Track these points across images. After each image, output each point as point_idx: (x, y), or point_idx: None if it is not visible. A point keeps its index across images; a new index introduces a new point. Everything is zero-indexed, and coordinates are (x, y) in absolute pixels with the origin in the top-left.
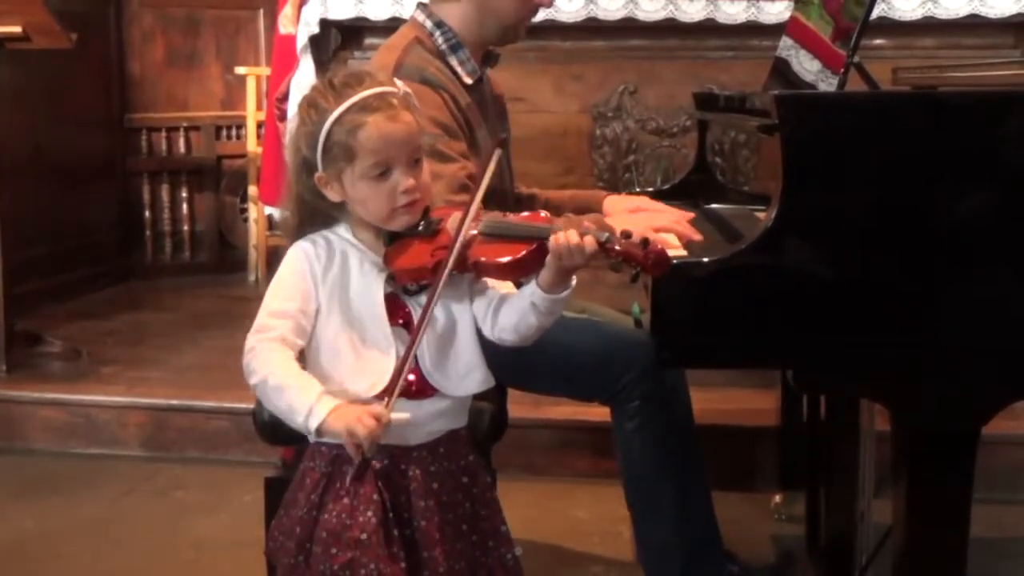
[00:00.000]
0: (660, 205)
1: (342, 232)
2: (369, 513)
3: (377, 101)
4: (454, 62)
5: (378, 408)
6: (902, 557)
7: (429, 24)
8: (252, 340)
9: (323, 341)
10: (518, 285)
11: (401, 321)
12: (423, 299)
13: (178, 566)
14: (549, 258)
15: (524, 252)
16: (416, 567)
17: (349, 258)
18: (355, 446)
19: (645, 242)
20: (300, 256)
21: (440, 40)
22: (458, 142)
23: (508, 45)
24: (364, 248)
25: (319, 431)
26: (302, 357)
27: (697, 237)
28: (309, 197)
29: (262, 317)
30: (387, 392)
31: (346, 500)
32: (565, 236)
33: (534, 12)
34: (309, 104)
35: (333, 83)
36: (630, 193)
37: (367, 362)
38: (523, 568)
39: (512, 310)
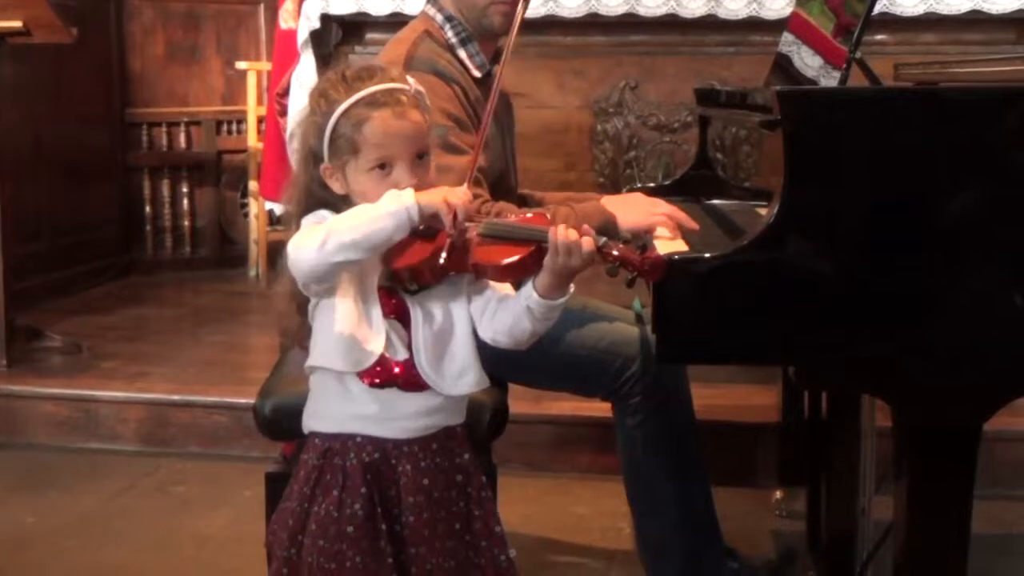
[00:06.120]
0: (657, 199)
1: None
2: (356, 506)
3: (386, 96)
4: (463, 55)
5: (459, 188)
6: (903, 553)
7: (439, 18)
8: (295, 241)
9: (335, 300)
10: (517, 287)
11: (392, 314)
12: (422, 297)
13: (178, 561)
14: (547, 259)
15: (523, 254)
16: (404, 563)
17: None
18: (451, 215)
19: (643, 247)
20: (319, 217)
21: (450, 33)
22: (469, 134)
23: (495, 38)
24: None
25: (418, 205)
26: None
27: (694, 226)
28: (315, 188)
29: (302, 231)
30: (466, 180)
31: (335, 493)
32: (564, 232)
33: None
34: (320, 94)
35: (345, 75)
36: (631, 190)
37: (362, 338)
38: (517, 570)
39: (508, 313)
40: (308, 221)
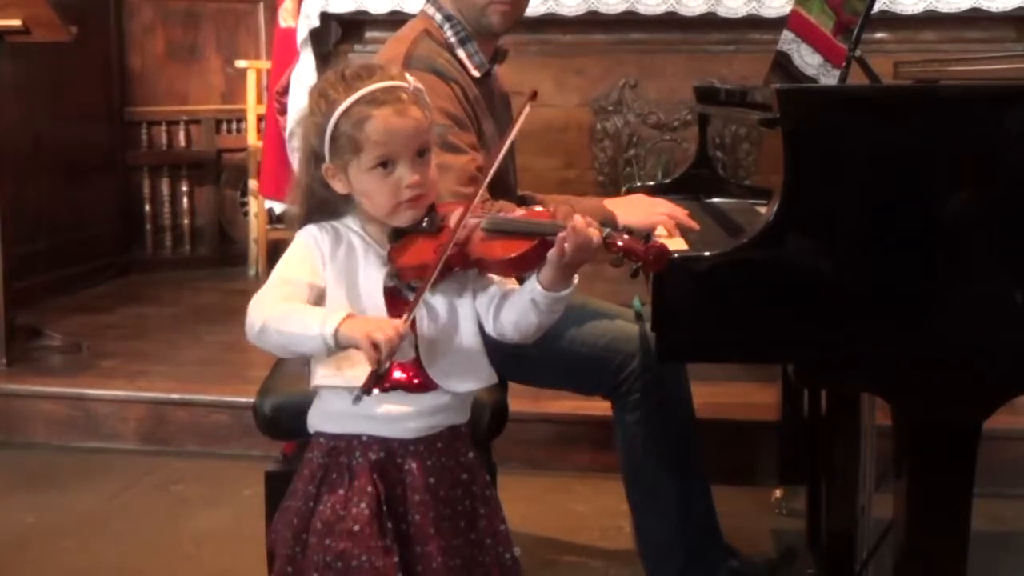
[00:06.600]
0: (658, 200)
1: (350, 223)
2: (363, 505)
3: (385, 95)
4: (462, 54)
5: (395, 320)
6: (903, 551)
7: (439, 17)
8: (255, 298)
9: None
10: (521, 280)
11: (398, 315)
12: (427, 294)
13: (178, 560)
14: (552, 253)
15: (526, 248)
16: (410, 561)
17: (355, 247)
18: (373, 349)
19: (647, 237)
20: (307, 237)
21: (449, 33)
22: (468, 134)
23: (494, 37)
24: (371, 240)
25: (336, 336)
26: None
27: (695, 226)
28: (317, 188)
29: (268, 284)
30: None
31: (341, 491)
32: (572, 225)
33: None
34: (319, 94)
35: (344, 74)
36: (630, 189)
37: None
38: (522, 568)
39: (513, 308)
40: (298, 240)
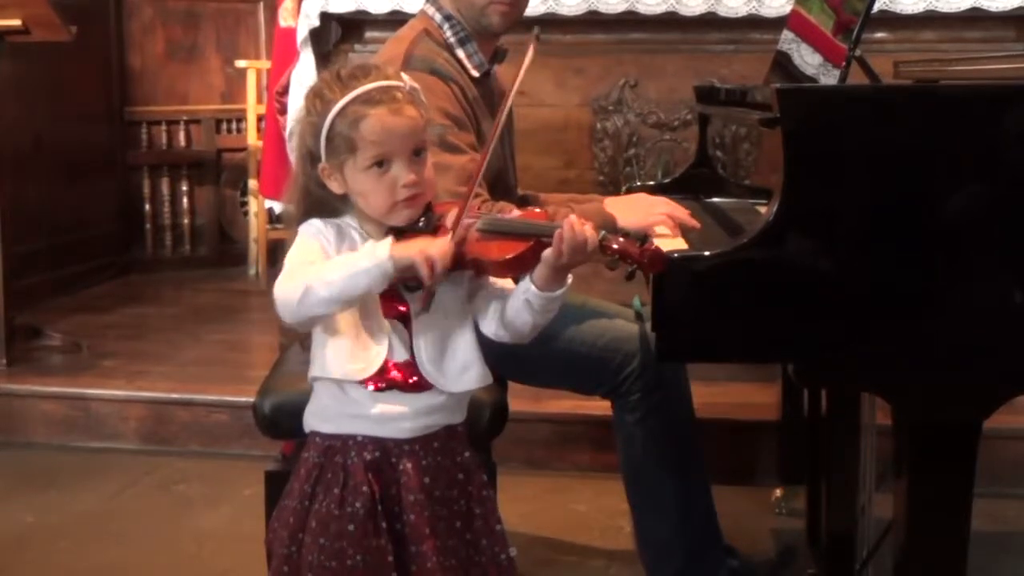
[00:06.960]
0: (659, 199)
1: (349, 221)
2: (357, 504)
3: (381, 94)
4: (461, 54)
5: (442, 238)
6: (903, 551)
7: (438, 17)
8: (278, 281)
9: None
10: (517, 281)
11: (394, 315)
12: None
13: (178, 560)
14: (547, 253)
15: (522, 249)
16: (406, 561)
17: (357, 244)
18: (428, 267)
19: (643, 239)
20: (312, 229)
21: (448, 33)
22: (467, 134)
23: (494, 37)
24: (368, 239)
25: (392, 259)
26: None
27: (696, 225)
28: (314, 188)
29: (285, 271)
30: (452, 229)
31: (336, 491)
32: (567, 226)
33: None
34: (315, 94)
35: (340, 75)
36: (630, 189)
37: (362, 346)
38: (517, 568)
39: (508, 308)
40: (303, 232)
